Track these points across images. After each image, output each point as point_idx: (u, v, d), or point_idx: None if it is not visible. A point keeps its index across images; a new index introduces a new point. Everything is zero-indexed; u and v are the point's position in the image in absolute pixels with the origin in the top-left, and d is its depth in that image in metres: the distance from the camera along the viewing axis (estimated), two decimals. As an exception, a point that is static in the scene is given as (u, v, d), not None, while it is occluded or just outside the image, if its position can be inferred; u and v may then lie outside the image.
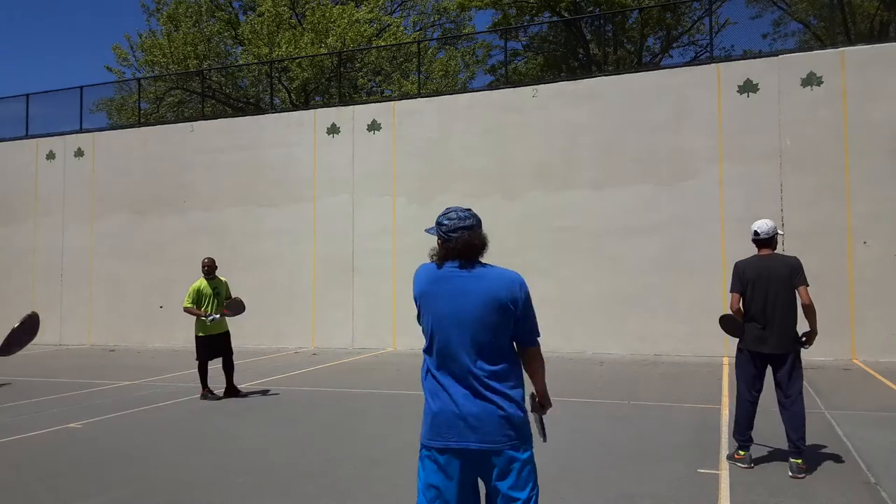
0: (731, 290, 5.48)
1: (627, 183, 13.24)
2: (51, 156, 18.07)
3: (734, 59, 13.45)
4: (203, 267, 8.94)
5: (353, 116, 15.39)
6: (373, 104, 15.95)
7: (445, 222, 2.76)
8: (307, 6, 25.93)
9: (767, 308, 5.25)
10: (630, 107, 13.37)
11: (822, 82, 12.27)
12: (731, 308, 5.43)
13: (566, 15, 24.25)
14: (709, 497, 4.67)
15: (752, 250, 5.54)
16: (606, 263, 13.18)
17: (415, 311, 2.80)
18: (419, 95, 16.01)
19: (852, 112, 12.05)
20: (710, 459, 5.56)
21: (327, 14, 24.80)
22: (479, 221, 2.77)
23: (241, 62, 26.91)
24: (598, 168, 13.47)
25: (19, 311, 19.26)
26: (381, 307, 14.56)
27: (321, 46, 23.88)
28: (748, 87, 12.68)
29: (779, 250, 5.54)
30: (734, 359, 5.59)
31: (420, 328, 2.77)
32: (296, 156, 15.74)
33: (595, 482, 5.02)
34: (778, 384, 5.32)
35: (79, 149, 17.83)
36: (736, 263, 5.56)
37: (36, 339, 3.83)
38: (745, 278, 5.38)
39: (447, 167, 14.46)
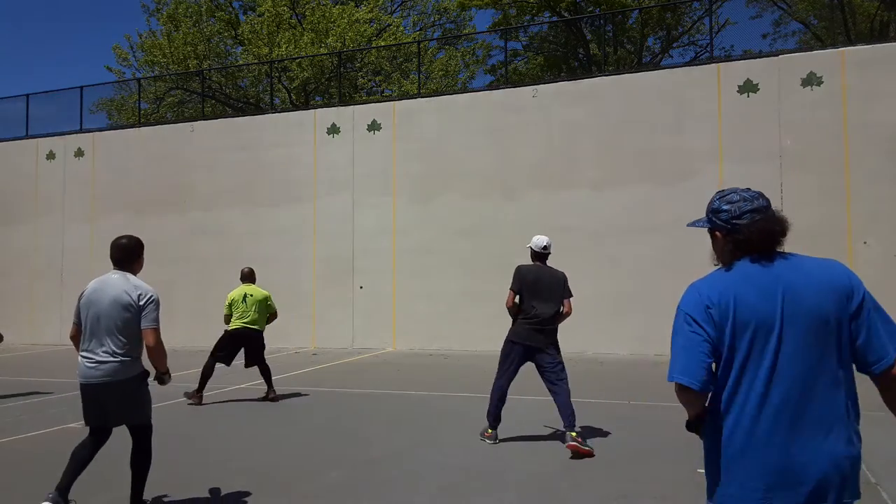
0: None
1: (627, 183, 13.24)
2: (51, 156, 18.07)
3: (734, 59, 13.45)
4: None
5: (353, 116, 15.39)
6: (373, 104, 15.95)
7: (726, 207, 2.13)
8: (307, 6, 25.92)
9: None
10: (630, 107, 13.37)
11: (822, 82, 12.27)
12: None
13: (566, 15, 24.25)
14: (709, 497, 4.66)
15: None
16: (606, 263, 13.18)
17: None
18: (419, 95, 16.01)
19: (852, 112, 12.06)
20: (710, 459, 5.55)
21: (327, 14, 24.80)
22: (769, 201, 2.15)
23: (241, 62, 26.91)
24: (598, 168, 13.47)
25: (19, 311, 19.07)
26: (381, 307, 14.55)
27: (321, 46, 23.88)
28: (748, 87, 12.68)
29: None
30: None
31: None
32: (296, 156, 15.74)
33: (595, 482, 5.02)
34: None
35: (79, 149, 17.83)
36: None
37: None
38: None
39: (447, 167, 14.45)
